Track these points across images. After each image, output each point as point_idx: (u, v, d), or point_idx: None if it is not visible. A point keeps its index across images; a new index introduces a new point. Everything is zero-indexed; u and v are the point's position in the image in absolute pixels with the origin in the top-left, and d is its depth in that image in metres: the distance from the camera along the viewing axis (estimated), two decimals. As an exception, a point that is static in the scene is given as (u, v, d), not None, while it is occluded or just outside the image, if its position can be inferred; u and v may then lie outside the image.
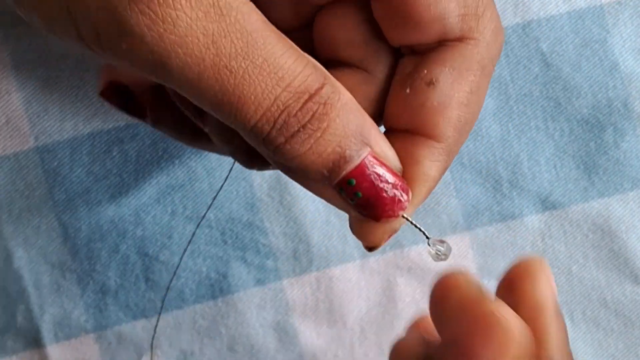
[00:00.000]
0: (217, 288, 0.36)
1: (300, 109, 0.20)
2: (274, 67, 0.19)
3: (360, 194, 0.21)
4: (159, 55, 0.18)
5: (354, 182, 0.21)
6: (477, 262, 0.37)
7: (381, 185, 0.21)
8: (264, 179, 0.36)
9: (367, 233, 0.24)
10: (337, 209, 0.36)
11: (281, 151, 0.20)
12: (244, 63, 0.19)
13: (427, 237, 0.24)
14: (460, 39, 0.22)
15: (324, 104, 0.20)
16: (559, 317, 0.24)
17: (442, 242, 0.25)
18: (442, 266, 0.37)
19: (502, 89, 0.36)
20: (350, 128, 0.20)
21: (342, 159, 0.20)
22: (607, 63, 0.36)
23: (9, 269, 0.35)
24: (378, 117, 0.24)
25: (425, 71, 0.22)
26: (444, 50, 0.22)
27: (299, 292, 0.37)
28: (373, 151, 0.21)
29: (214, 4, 0.19)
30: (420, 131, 0.22)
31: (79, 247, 0.35)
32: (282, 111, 0.19)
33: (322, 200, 0.38)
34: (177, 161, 0.36)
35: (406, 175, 0.22)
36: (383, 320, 0.37)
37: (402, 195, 0.22)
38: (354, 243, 0.37)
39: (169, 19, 0.18)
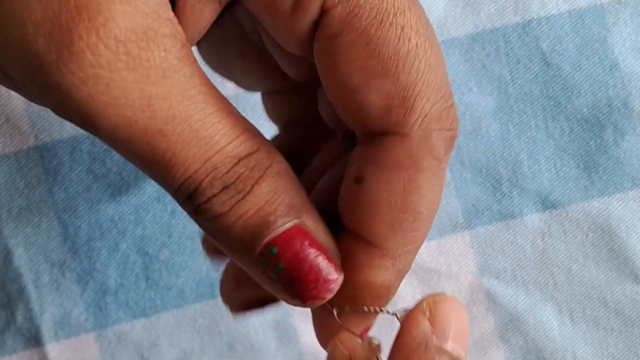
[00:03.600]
0: (217, 287, 0.36)
1: (227, 172, 0.18)
2: (210, 132, 0.18)
3: (282, 265, 0.19)
4: (87, 114, 0.17)
5: (276, 250, 0.19)
6: (477, 261, 0.37)
7: (307, 258, 0.19)
8: (264, 178, 0.36)
9: (319, 328, 0.22)
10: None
11: (201, 211, 0.19)
12: (180, 127, 0.18)
13: (394, 314, 0.21)
14: (385, 134, 0.20)
15: (252, 167, 0.19)
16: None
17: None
18: (443, 267, 0.37)
19: (502, 88, 0.36)
20: (278, 194, 0.19)
21: (265, 224, 0.19)
22: (607, 62, 0.36)
23: (8, 268, 0.35)
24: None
25: (354, 167, 0.20)
26: (373, 145, 0.20)
27: (299, 291, 0.37)
28: (302, 222, 0.19)
29: (155, 66, 0.17)
30: (359, 233, 0.20)
31: (78, 245, 0.35)
32: (209, 173, 0.18)
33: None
34: (177, 160, 0.36)
35: (351, 282, 0.20)
36: (383, 319, 0.37)
37: (328, 275, 0.19)
38: (354, 242, 0.37)
39: (102, 81, 0.17)
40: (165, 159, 0.18)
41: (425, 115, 0.19)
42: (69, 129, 0.35)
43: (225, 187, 0.18)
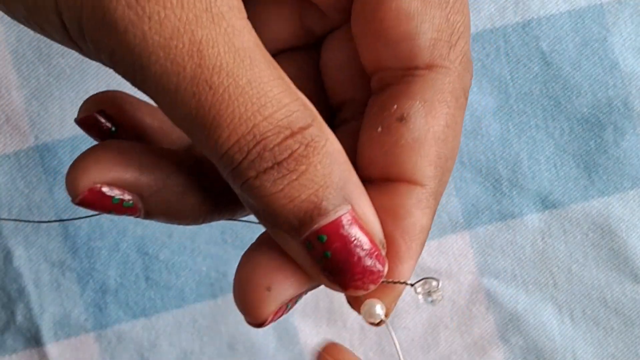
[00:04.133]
0: (217, 287, 0.36)
1: (279, 144, 0.17)
2: (257, 92, 0.17)
3: (329, 254, 0.18)
4: (139, 57, 0.17)
5: (325, 239, 0.18)
6: (477, 260, 0.37)
7: (356, 250, 0.19)
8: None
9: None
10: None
11: (250, 187, 0.18)
12: (227, 80, 0.17)
13: (411, 285, 0.20)
14: (430, 67, 0.20)
15: (307, 145, 0.18)
16: None
17: (428, 281, 0.21)
18: (443, 266, 0.37)
19: (502, 87, 0.36)
20: (332, 179, 0.18)
21: (317, 210, 0.18)
22: (607, 62, 0.36)
23: (8, 268, 0.35)
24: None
25: (395, 106, 0.20)
26: (414, 81, 0.20)
27: (299, 291, 0.37)
28: (354, 210, 0.19)
29: (207, 8, 0.17)
30: (400, 176, 0.20)
31: (79, 245, 0.35)
32: (259, 142, 0.17)
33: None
34: (177, 160, 0.36)
35: (398, 231, 0.20)
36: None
37: (376, 267, 0.19)
38: (354, 242, 0.37)
39: (156, 17, 0.16)
40: (209, 117, 0.17)
41: (464, 55, 0.20)
42: (69, 128, 0.35)
43: (277, 164, 0.18)
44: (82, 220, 0.35)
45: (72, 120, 0.35)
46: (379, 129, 0.20)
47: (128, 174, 0.20)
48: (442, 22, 0.20)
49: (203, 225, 0.36)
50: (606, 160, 0.37)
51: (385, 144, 0.20)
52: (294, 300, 0.21)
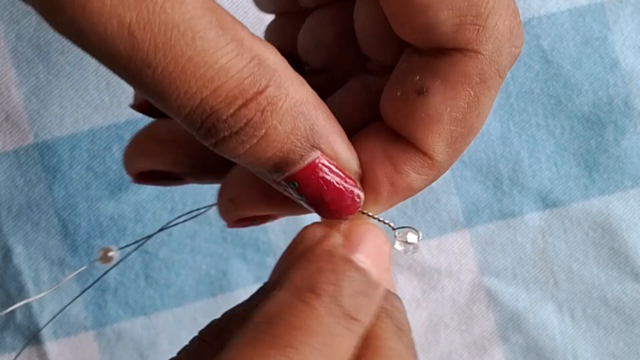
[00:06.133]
0: (217, 285, 0.36)
1: (232, 115, 0.17)
2: (200, 67, 0.17)
3: (303, 198, 0.19)
4: (72, 36, 0.16)
5: (297, 184, 0.19)
6: (478, 259, 0.37)
7: (326, 192, 0.19)
8: (264, 176, 0.36)
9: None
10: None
11: (216, 149, 0.18)
12: (164, 60, 0.16)
13: (393, 229, 0.21)
14: (457, 50, 0.20)
15: (263, 110, 0.18)
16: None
17: (409, 231, 0.22)
18: (443, 265, 0.37)
19: (503, 86, 0.36)
20: (295, 132, 0.18)
21: (283, 162, 0.19)
22: (608, 60, 0.36)
23: (8, 266, 0.35)
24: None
25: (417, 77, 0.20)
26: (440, 58, 0.20)
27: (299, 290, 0.37)
28: (324, 153, 0.19)
29: None
30: (410, 140, 0.20)
31: (78, 243, 0.35)
32: (209, 115, 0.17)
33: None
34: (177, 158, 0.36)
35: (389, 180, 0.20)
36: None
37: (351, 200, 0.20)
38: (354, 240, 0.37)
39: (79, 3, 0.16)
40: (156, 92, 0.17)
41: (498, 33, 0.19)
42: (69, 126, 0.35)
43: (234, 133, 0.18)
44: (82, 218, 0.35)
45: (72, 118, 0.35)
46: (399, 93, 0.20)
47: (167, 161, 0.22)
48: (463, 6, 0.19)
49: (203, 224, 0.36)
50: (607, 158, 0.37)
51: (401, 110, 0.20)
52: (263, 218, 0.23)
